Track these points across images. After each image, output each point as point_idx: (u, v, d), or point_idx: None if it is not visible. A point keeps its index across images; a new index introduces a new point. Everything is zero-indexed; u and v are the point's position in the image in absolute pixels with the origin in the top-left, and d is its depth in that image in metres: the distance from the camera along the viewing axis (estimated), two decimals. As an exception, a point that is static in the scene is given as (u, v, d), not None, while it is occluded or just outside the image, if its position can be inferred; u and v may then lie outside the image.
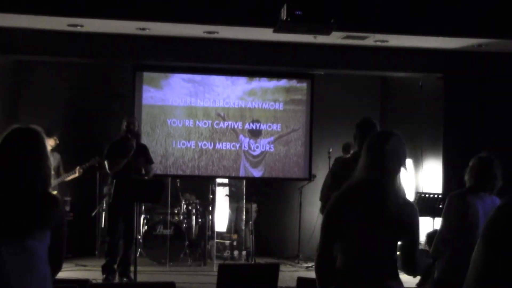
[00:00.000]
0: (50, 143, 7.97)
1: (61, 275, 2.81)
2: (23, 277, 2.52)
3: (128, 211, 6.64)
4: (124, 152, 6.88)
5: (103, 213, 8.46)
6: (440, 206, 7.19)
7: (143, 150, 7.22)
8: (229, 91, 8.76)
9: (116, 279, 6.91)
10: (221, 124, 8.75)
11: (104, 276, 6.89)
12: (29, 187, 2.57)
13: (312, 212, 9.31)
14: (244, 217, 8.72)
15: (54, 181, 7.90)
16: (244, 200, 8.65)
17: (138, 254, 7.08)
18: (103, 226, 8.49)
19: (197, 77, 8.73)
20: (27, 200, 2.56)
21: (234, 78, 8.80)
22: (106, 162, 6.99)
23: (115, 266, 7.00)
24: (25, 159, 2.59)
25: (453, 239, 4.06)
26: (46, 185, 2.64)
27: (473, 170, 4.12)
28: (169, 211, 8.24)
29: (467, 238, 3.95)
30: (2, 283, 2.48)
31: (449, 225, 4.11)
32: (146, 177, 7.12)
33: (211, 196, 8.53)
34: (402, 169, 2.89)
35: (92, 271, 7.30)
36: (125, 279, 6.85)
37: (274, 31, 6.72)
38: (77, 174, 7.92)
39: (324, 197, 4.74)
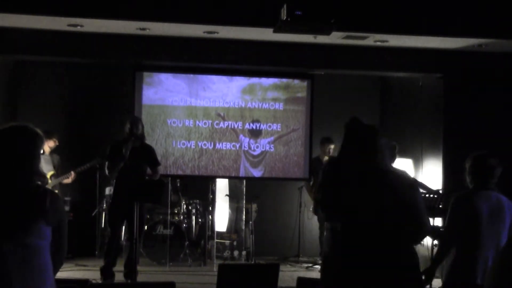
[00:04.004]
0: (49, 144, 7.97)
1: (61, 275, 2.82)
2: (24, 273, 2.52)
3: (131, 212, 6.61)
4: (121, 155, 6.81)
5: (103, 213, 8.46)
6: (440, 206, 7.18)
7: (147, 153, 7.09)
8: (227, 88, 8.74)
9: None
10: (221, 124, 8.74)
11: (102, 278, 6.85)
12: (25, 183, 2.60)
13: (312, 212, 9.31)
14: (244, 217, 8.72)
15: (52, 182, 7.90)
16: (244, 200, 8.65)
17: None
18: (103, 226, 8.49)
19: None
20: (22, 196, 2.57)
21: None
22: (106, 164, 6.95)
23: (113, 268, 6.97)
24: (22, 156, 2.62)
25: (458, 240, 4.03)
26: (42, 181, 2.68)
27: (472, 170, 4.08)
28: (169, 211, 8.25)
29: (472, 239, 3.94)
30: (4, 280, 2.49)
31: (454, 227, 4.07)
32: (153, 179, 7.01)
33: (211, 196, 8.53)
34: None
35: (92, 271, 7.30)
36: (129, 280, 6.82)
37: (274, 31, 6.71)
38: (70, 180, 7.93)
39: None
